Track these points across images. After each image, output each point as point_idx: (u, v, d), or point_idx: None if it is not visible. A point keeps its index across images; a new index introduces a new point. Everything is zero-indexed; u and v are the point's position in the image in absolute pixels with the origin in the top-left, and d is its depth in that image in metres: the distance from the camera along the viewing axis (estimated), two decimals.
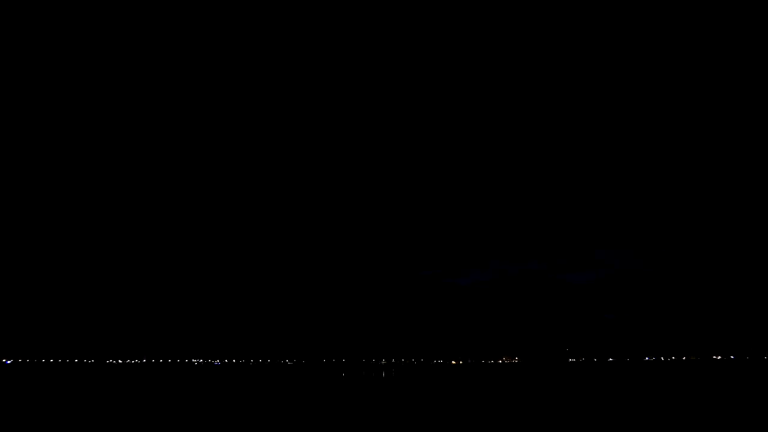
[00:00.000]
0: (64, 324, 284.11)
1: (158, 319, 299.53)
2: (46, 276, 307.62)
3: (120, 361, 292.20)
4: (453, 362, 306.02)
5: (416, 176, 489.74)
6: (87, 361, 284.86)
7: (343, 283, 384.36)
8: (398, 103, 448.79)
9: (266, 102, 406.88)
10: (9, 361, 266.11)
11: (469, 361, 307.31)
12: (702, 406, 26.31)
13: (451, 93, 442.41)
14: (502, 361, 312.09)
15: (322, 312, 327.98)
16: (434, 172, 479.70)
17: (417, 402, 30.57)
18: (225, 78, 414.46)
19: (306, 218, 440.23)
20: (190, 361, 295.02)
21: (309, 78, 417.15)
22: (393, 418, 22.34)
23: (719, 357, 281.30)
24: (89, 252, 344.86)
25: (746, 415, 22.60)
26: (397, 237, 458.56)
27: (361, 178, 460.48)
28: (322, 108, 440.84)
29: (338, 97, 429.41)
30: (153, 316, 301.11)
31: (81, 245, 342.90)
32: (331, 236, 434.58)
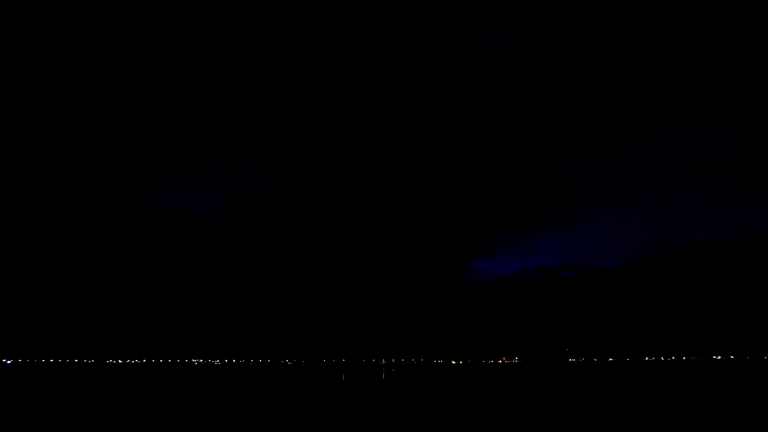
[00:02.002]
0: (64, 324, 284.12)
1: (158, 319, 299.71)
2: (46, 276, 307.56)
3: (120, 361, 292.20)
4: (453, 362, 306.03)
5: (411, 174, 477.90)
6: (87, 361, 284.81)
7: (343, 282, 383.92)
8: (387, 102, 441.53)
9: (269, 93, 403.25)
10: (9, 361, 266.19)
11: (469, 361, 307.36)
12: (702, 406, 26.30)
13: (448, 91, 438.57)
14: (502, 361, 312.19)
15: (322, 312, 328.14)
16: (433, 168, 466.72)
17: (417, 402, 30.57)
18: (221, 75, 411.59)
19: (305, 218, 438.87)
20: (190, 361, 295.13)
21: (309, 71, 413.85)
22: (393, 418, 22.33)
23: (719, 357, 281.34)
24: (89, 252, 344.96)
25: (746, 415, 22.60)
26: (395, 234, 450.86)
27: (358, 180, 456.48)
28: (320, 107, 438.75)
29: (338, 96, 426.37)
30: (153, 316, 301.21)
31: (81, 245, 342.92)
32: (330, 236, 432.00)
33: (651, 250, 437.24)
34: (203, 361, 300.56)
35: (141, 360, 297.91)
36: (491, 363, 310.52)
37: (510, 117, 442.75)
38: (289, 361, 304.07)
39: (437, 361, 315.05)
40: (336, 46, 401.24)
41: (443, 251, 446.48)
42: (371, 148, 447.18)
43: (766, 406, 26.15)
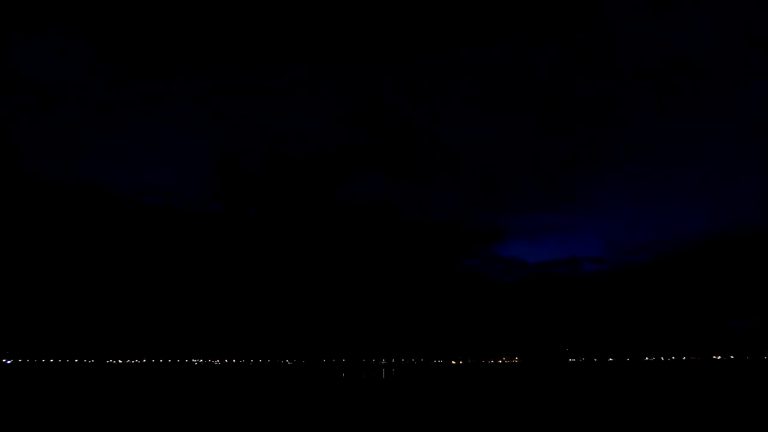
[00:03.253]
0: (64, 324, 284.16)
1: (158, 319, 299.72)
2: (46, 276, 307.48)
3: (120, 361, 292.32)
4: (453, 362, 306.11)
5: (412, 169, 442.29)
6: (87, 361, 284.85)
7: (343, 281, 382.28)
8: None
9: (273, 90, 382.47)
10: (9, 362, 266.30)
11: (469, 361, 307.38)
12: (702, 406, 26.30)
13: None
14: (503, 361, 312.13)
15: (322, 312, 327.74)
16: (454, 135, 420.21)
17: (417, 402, 30.57)
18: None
19: (304, 217, 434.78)
20: (190, 361, 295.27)
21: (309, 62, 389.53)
22: (393, 418, 22.33)
23: (719, 357, 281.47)
24: (89, 252, 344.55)
25: (746, 415, 22.60)
26: (394, 231, 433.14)
27: (359, 179, 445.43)
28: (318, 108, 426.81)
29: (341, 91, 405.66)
30: (153, 316, 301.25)
31: (81, 245, 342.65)
32: (329, 236, 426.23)
33: (691, 243, 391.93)
34: (203, 361, 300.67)
35: (141, 360, 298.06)
36: (491, 363, 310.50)
37: (556, 69, 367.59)
38: (289, 361, 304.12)
39: (437, 361, 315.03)
40: None
41: (456, 243, 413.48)
42: (380, 108, 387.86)
43: (766, 406, 26.15)
